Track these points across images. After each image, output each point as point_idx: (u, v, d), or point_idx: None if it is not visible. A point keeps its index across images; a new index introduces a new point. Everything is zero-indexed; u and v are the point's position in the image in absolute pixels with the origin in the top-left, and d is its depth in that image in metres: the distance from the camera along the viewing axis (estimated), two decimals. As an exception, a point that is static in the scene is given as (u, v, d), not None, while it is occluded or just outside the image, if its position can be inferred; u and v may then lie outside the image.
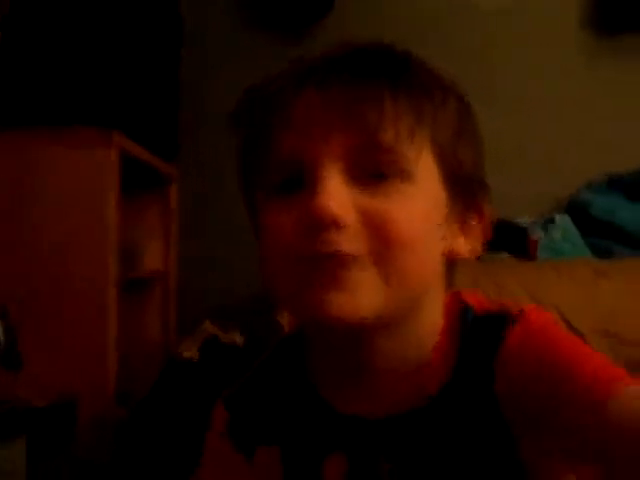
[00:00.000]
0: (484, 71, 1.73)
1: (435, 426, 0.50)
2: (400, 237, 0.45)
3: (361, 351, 0.49)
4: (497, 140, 1.66)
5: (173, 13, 1.67)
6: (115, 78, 1.34)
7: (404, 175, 0.46)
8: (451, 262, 0.51)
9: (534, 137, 1.72)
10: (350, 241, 0.44)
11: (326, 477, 0.52)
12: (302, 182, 0.46)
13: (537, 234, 1.56)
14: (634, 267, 1.11)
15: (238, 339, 1.21)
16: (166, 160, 1.67)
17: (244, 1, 1.82)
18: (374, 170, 0.46)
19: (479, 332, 0.50)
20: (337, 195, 0.44)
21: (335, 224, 0.44)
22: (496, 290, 1.03)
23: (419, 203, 0.47)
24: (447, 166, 0.49)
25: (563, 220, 1.60)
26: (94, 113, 1.29)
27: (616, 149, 1.67)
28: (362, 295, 0.45)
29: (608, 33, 1.73)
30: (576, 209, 1.64)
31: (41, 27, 1.19)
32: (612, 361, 0.46)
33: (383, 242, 0.45)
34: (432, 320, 0.51)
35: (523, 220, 1.62)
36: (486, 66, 1.74)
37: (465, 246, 0.51)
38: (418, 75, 0.49)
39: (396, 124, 0.45)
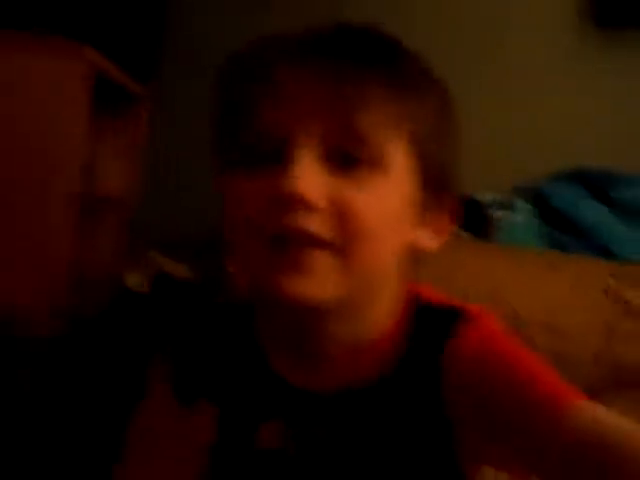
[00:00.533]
0: (474, 54, 1.72)
1: (372, 410, 0.52)
2: (364, 228, 0.46)
3: (313, 329, 0.51)
4: (471, 114, 1.70)
5: None
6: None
7: (377, 164, 0.47)
8: (415, 254, 0.53)
9: (511, 119, 1.72)
10: (316, 223, 0.45)
11: (259, 441, 0.54)
12: (276, 156, 0.46)
13: (497, 213, 1.55)
14: (586, 263, 1.15)
15: (185, 272, 1.22)
16: (141, 81, 1.60)
17: None
18: (348, 155, 0.46)
19: (427, 324, 0.52)
20: (310, 177, 0.45)
21: (304, 204, 0.45)
22: (447, 274, 1.03)
23: (388, 194, 0.48)
24: (421, 160, 0.50)
25: (524, 206, 1.60)
26: (67, 24, 1.23)
27: (593, 145, 1.67)
28: (321, 280, 0.46)
29: (604, 26, 1.70)
30: (538, 197, 1.64)
31: None
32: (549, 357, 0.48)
33: (347, 230, 0.46)
34: (385, 308, 0.53)
35: (484, 197, 1.60)
36: (473, 41, 1.73)
37: (430, 240, 0.53)
38: (404, 65, 0.49)
39: (376, 112, 0.46)
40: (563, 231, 1.60)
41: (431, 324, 0.52)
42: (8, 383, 1.08)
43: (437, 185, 0.52)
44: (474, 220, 1.55)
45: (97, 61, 1.28)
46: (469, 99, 1.69)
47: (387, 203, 0.48)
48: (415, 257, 0.54)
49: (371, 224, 0.47)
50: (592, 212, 1.60)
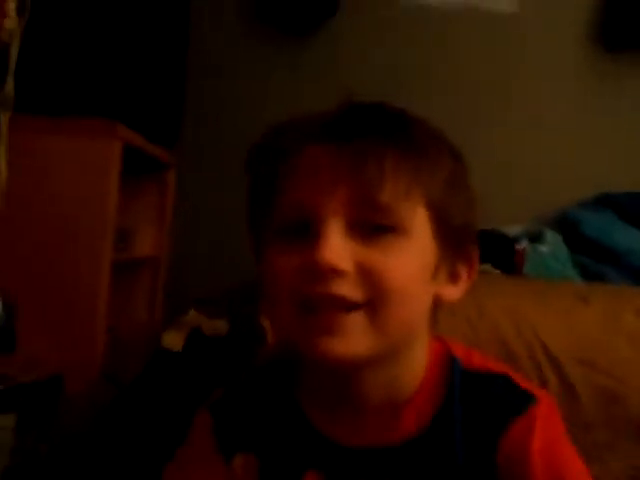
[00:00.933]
0: (480, 79, 1.75)
1: (406, 466, 0.54)
2: (392, 288, 0.49)
3: (350, 385, 0.55)
4: (489, 152, 1.72)
5: (180, 8, 1.68)
6: (121, 71, 1.37)
7: (400, 230, 0.50)
8: (438, 306, 0.56)
9: (530, 150, 1.74)
10: (347, 286, 0.49)
11: None
12: (306, 228, 0.51)
13: (523, 244, 1.54)
14: (614, 294, 1.13)
15: (223, 327, 1.24)
16: (166, 148, 1.69)
17: (251, 1, 1.83)
18: (372, 224, 0.50)
19: (472, 388, 0.55)
20: (337, 247, 0.49)
21: (333, 272, 0.48)
22: (476, 312, 1.04)
23: (412, 256, 0.51)
24: (439, 220, 0.53)
25: (553, 236, 1.59)
26: (99, 104, 1.32)
27: (612, 168, 1.68)
28: (353, 339, 0.49)
29: (613, 50, 1.74)
30: (566, 225, 1.64)
31: (47, 20, 1.22)
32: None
33: (376, 292, 0.49)
34: (417, 361, 0.56)
35: (511, 230, 1.60)
36: (483, 74, 1.76)
37: (453, 293, 0.56)
38: (415, 134, 0.52)
39: (395, 183, 0.50)
40: (596, 258, 1.57)
41: (477, 392, 0.55)
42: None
43: (455, 240, 0.55)
44: (504, 255, 1.53)
45: (126, 134, 1.37)
46: (491, 137, 1.74)
47: (411, 264, 0.51)
48: (439, 308, 0.57)
49: (397, 285, 0.50)
50: (624, 236, 1.58)
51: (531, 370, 0.94)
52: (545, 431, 0.53)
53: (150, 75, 1.50)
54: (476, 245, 0.58)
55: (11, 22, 0.91)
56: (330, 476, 0.56)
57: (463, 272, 0.57)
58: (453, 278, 0.56)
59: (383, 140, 0.50)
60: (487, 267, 1.50)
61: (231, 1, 1.83)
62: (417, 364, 0.57)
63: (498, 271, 1.49)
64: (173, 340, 1.24)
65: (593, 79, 1.75)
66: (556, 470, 0.52)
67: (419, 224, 0.52)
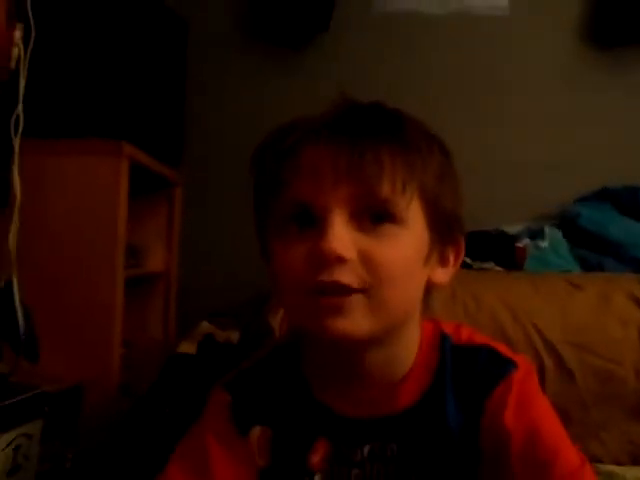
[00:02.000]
0: (475, 82, 1.79)
1: (404, 432, 0.60)
2: (391, 274, 0.54)
3: (352, 363, 0.60)
4: (489, 151, 1.76)
5: (177, 29, 1.74)
6: (124, 93, 1.42)
7: (397, 220, 0.55)
8: (430, 288, 0.61)
9: (527, 148, 1.77)
10: (348, 274, 0.54)
11: (310, 459, 0.62)
12: (310, 222, 0.55)
13: (524, 242, 1.57)
14: (607, 280, 1.16)
15: (234, 337, 1.29)
16: (171, 166, 1.75)
17: (246, 18, 1.89)
18: (372, 215, 0.55)
19: (461, 361, 0.61)
20: (341, 236, 0.53)
21: (338, 260, 0.53)
22: (474, 302, 1.08)
23: (409, 244, 0.56)
24: (431, 208, 0.58)
25: (552, 231, 1.62)
26: (105, 126, 1.38)
27: (610, 163, 1.71)
28: (356, 320, 0.54)
29: (605, 46, 1.77)
30: (566, 220, 1.67)
31: (52, 48, 1.27)
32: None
33: (376, 278, 0.54)
34: (411, 339, 0.62)
35: (511, 228, 1.64)
36: (478, 76, 1.80)
37: (443, 276, 0.61)
38: (408, 132, 0.57)
39: (392, 178, 0.54)
40: (595, 250, 1.59)
41: (465, 362, 0.61)
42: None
43: (445, 227, 0.60)
44: (505, 253, 1.56)
45: (132, 152, 1.43)
46: (489, 137, 1.78)
47: (407, 251, 0.56)
48: (431, 290, 0.62)
49: (395, 271, 0.55)
50: (622, 228, 1.60)
51: (529, 354, 0.98)
52: (521, 390, 0.58)
53: (152, 96, 1.56)
54: (462, 232, 0.63)
55: (18, 50, 0.96)
56: (337, 443, 0.61)
57: (451, 256, 0.63)
58: (443, 262, 0.62)
59: (380, 139, 0.55)
60: (490, 265, 1.54)
61: (227, 19, 1.89)
62: (412, 342, 0.62)
63: (500, 268, 1.52)
64: (187, 349, 1.29)
65: (588, 76, 1.78)
66: (529, 421, 0.57)
67: (414, 214, 0.57)
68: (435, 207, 0.58)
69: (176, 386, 1.06)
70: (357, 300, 0.54)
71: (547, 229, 1.63)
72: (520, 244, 1.58)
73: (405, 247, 0.56)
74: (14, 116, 0.98)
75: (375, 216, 0.55)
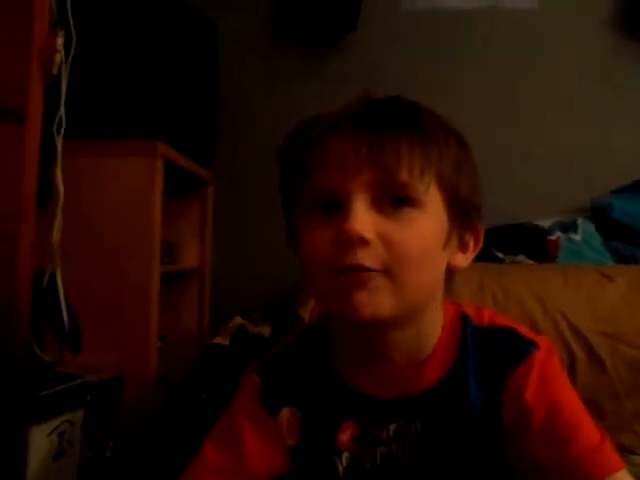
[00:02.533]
0: (506, 76, 1.79)
1: (428, 411, 0.62)
2: (410, 255, 0.57)
3: (376, 344, 0.62)
4: (521, 144, 1.75)
5: (208, 31, 1.79)
6: (158, 95, 1.47)
7: (416, 204, 0.58)
8: (451, 273, 0.63)
9: (559, 141, 1.76)
10: (370, 257, 0.56)
11: (339, 438, 0.64)
12: (335, 206, 0.58)
13: (556, 235, 1.57)
14: (639, 271, 1.16)
15: (266, 331, 1.32)
16: (204, 165, 1.79)
17: (275, 18, 1.92)
18: (393, 200, 0.58)
19: (482, 341, 0.63)
20: (363, 220, 0.56)
21: (360, 242, 0.56)
22: (502, 293, 1.09)
23: (427, 227, 0.59)
24: (449, 194, 0.60)
25: (585, 224, 1.61)
26: (141, 127, 1.42)
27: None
28: (379, 299, 0.57)
29: (637, 37, 1.75)
30: (598, 213, 1.65)
31: (92, 55, 1.32)
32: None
33: (396, 259, 0.57)
34: (434, 322, 0.64)
35: (544, 222, 1.64)
36: (509, 70, 1.79)
37: (462, 260, 0.64)
38: (425, 123, 0.60)
39: (410, 165, 0.57)
40: (629, 243, 1.57)
41: (488, 343, 0.63)
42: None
43: (463, 213, 0.62)
44: (537, 246, 1.56)
45: (167, 152, 1.47)
46: (519, 130, 1.77)
47: (426, 234, 0.59)
48: (452, 275, 0.64)
49: (414, 252, 0.58)
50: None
51: (559, 345, 0.98)
52: (542, 369, 0.60)
53: (184, 97, 1.60)
54: (480, 219, 0.65)
55: (60, 56, 1.00)
56: (364, 422, 0.64)
57: (470, 242, 0.65)
58: (462, 247, 0.64)
59: (398, 130, 0.58)
60: (521, 258, 1.54)
61: (256, 19, 1.93)
62: (435, 324, 0.64)
63: (532, 262, 1.52)
64: (221, 343, 1.32)
65: (620, 67, 1.76)
66: (550, 398, 0.59)
67: (432, 199, 0.59)
68: (453, 194, 0.61)
69: (210, 374, 1.10)
70: (379, 281, 0.56)
71: (580, 222, 1.62)
72: (552, 237, 1.57)
73: (424, 230, 0.58)
74: (57, 118, 1.03)
75: (395, 200, 0.58)
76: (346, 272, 0.56)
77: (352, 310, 0.57)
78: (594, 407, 0.58)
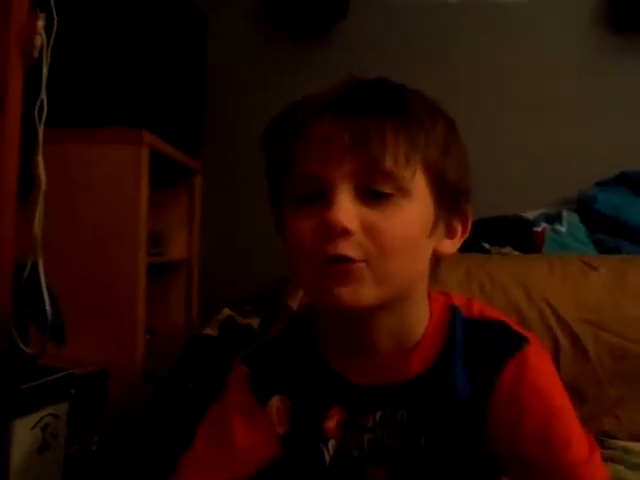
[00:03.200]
0: (495, 69, 1.78)
1: (414, 400, 0.62)
2: (393, 246, 0.56)
3: (362, 332, 0.62)
4: (508, 137, 1.75)
5: (196, 19, 1.77)
6: (144, 82, 1.44)
7: (401, 192, 0.57)
8: (437, 259, 0.63)
9: (545, 135, 1.76)
10: (353, 248, 0.55)
11: (325, 425, 0.64)
12: (319, 195, 0.57)
13: (541, 226, 1.58)
14: (622, 261, 1.17)
15: (254, 323, 1.32)
16: (191, 155, 1.78)
17: (264, 7, 1.90)
18: (377, 189, 0.56)
19: (471, 333, 0.62)
20: (346, 209, 0.55)
21: (344, 232, 0.55)
22: (489, 281, 1.09)
23: (413, 215, 0.58)
24: (435, 180, 0.59)
25: (570, 216, 1.63)
26: (126, 114, 1.40)
27: (628, 147, 1.69)
28: (361, 290, 0.56)
29: (622, 31, 1.75)
30: (583, 205, 1.66)
31: (74, 39, 1.30)
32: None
33: (379, 249, 0.56)
34: (420, 309, 0.64)
35: (529, 213, 1.65)
36: (496, 63, 1.79)
37: (449, 246, 0.63)
38: (412, 107, 0.58)
39: (395, 152, 0.56)
40: (613, 234, 1.58)
41: (477, 336, 0.62)
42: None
43: (450, 198, 0.61)
44: (523, 237, 1.57)
45: (152, 140, 1.45)
46: (505, 121, 1.77)
47: (411, 222, 0.58)
48: (438, 261, 0.63)
49: (398, 241, 0.56)
50: (638, 211, 1.58)
51: (543, 333, 0.99)
52: (537, 367, 0.60)
53: (171, 85, 1.58)
54: (469, 202, 0.64)
55: (41, 39, 0.98)
56: (350, 409, 0.64)
57: (458, 227, 0.64)
58: (450, 233, 0.63)
59: (383, 115, 0.56)
60: (508, 249, 1.54)
61: (245, 8, 1.90)
62: (420, 312, 0.64)
63: (518, 253, 1.52)
64: (210, 333, 1.32)
65: (605, 60, 1.76)
66: (545, 402, 0.58)
67: (418, 186, 0.58)
68: (440, 179, 0.59)
69: (198, 364, 1.09)
70: (362, 271, 0.56)
71: (565, 213, 1.63)
72: (538, 229, 1.59)
73: (409, 218, 0.57)
74: (38, 104, 1.00)
75: (380, 190, 0.56)
76: (329, 262, 0.56)
77: (335, 300, 0.56)
78: (577, 393, 0.59)
